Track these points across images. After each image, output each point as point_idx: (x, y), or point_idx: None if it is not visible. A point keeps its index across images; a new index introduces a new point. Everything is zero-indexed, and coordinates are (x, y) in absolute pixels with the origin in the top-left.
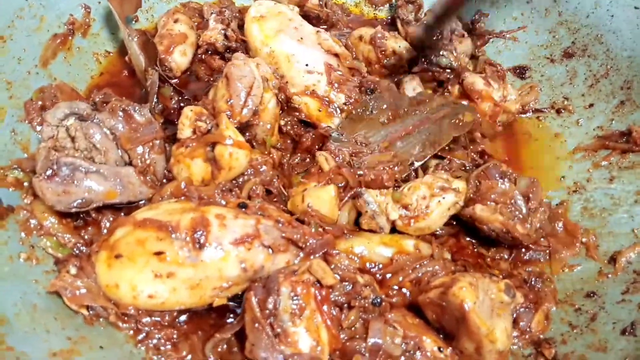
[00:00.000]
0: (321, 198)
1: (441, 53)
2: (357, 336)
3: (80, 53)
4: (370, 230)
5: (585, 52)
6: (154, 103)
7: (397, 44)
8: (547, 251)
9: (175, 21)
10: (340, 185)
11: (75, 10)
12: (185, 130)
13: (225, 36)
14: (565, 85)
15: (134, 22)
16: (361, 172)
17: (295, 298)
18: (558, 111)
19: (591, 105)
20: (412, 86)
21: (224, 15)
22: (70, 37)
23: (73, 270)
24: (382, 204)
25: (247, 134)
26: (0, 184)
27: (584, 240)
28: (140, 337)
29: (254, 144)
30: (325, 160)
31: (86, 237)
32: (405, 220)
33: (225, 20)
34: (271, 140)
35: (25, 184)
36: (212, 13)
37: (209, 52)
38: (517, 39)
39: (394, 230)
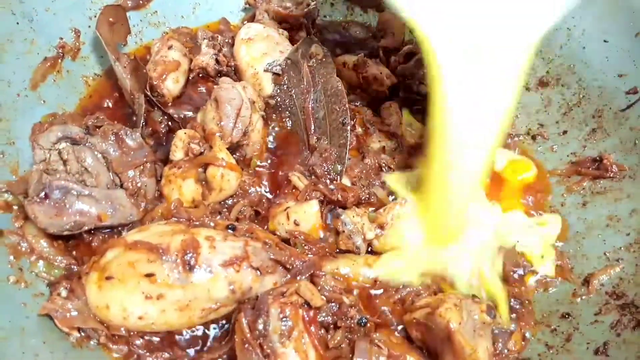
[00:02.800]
0: (307, 213)
1: (422, 82)
2: (344, 356)
3: (70, 76)
4: (349, 251)
5: (559, 81)
6: (142, 126)
7: (378, 70)
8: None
9: (169, 47)
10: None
11: (65, 33)
12: (177, 152)
13: (217, 61)
14: (540, 113)
15: (122, 45)
16: (332, 187)
17: (284, 319)
18: (533, 137)
19: (565, 132)
20: (390, 112)
21: (216, 41)
22: (60, 60)
23: (64, 293)
24: (358, 224)
25: (237, 154)
26: None
27: (558, 262)
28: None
29: (241, 165)
30: (299, 179)
31: (77, 258)
32: (382, 240)
33: (217, 45)
34: (255, 162)
35: (15, 207)
36: (204, 38)
37: (201, 76)
38: None
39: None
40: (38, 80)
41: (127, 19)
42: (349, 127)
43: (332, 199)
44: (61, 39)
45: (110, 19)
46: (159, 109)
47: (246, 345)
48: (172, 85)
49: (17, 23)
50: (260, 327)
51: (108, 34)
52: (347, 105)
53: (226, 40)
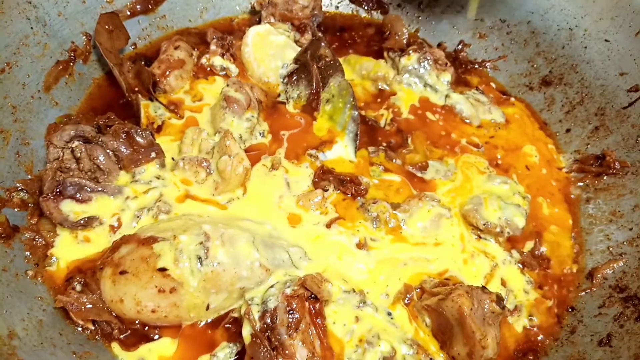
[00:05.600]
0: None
1: None
2: None
3: (81, 78)
4: None
5: (561, 80)
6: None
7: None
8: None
9: (176, 48)
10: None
11: (76, 37)
12: (192, 148)
13: (225, 60)
14: (544, 112)
15: (132, 48)
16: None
17: (291, 312)
18: None
19: (568, 130)
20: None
21: (225, 41)
22: (71, 64)
23: (78, 287)
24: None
25: None
26: (6, 204)
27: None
28: None
29: None
30: None
31: None
32: None
33: (225, 45)
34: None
35: (30, 204)
36: (214, 38)
37: (208, 75)
38: (498, 68)
39: None
40: (51, 82)
41: (123, 24)
42: (358, 120)
43: (342, 190)
44: (73, 42)
45: (107, 27)
46: (162, 105)
47: (254, 339)
48: (174, 81)
49: (31, 28)
50: (268, 320)
51: (108, 42)
52: (356, 100)
53: (234, 40)
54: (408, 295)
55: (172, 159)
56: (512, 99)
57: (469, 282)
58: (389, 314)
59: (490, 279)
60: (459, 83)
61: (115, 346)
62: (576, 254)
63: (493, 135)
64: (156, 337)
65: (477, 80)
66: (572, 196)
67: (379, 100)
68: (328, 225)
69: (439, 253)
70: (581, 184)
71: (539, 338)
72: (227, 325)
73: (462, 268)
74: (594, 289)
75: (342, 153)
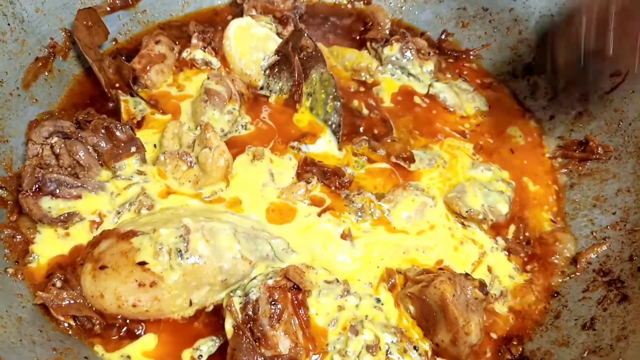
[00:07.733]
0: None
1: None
2: None
3: (61, 75)
4: None
5: (545, 67)
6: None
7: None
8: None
9: (157, 42)
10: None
11: (56, 34)
12: (171, 142)
13: (206, 53)
14: (528, 99)
15: (112, 43)
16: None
17: (273, 303)
18: None
19: (552, 117)
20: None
21: (206, 34)
22: (51, 60)
23: (58, 283)
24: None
25: None
26: None
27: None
28: None
29: None
30: None
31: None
32: None
33: (207, 38)
34: None
35: (10, 202)
36: (195, 31)
37: (190, 68)
38: (481, 56)
39: None
40: (30, 79)
41: (102, 20)
42: (341, 111)
43: (325, 183)
44: (52, 39)
45: (86, 23)
46: (143, 100)
47: (237, 331)
48: (155, 76)
49: (9, 24)
50: (250, 311)
51: (87, 38)
52: (338, 90)
53: (218, 29)
54: (391, 280)
55: (155, 146)
56: (493, 83)
57: (458, 269)
58: (378, 300)
59: (477, 265)
60: (442, 72)
61: (97, 342)
62: (561, 229)
63: (479, 124)
64: (139, 331)
65: (460, 69)
66: (558, 182)
67: (362, 90)
68: (319, 214)
69: (430, 240)
70: (565, 170)
71: (524, 323)
72: (210, 318)
73: (453, 255)
74: (578, 274)
75: (326, 148)
